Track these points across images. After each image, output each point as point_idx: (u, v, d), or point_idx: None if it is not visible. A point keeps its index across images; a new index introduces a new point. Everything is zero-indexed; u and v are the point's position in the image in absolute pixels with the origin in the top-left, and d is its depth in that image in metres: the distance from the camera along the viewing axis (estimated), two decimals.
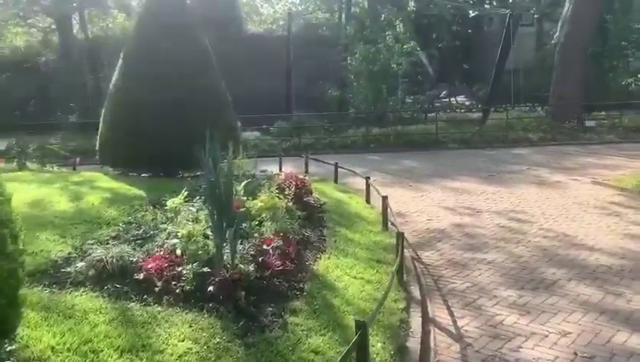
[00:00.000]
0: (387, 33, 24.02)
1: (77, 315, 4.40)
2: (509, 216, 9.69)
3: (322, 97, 25.38)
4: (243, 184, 7.20)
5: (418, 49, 26.05)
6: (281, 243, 5.71)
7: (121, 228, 6.50)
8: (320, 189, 10.76)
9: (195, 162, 9.89)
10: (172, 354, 3.98)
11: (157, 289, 4.96)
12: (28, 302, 4.52)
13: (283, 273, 5.46)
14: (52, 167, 12.93)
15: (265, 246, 5.48)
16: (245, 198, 7.12)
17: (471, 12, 33.66)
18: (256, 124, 22.22)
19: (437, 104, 31.96)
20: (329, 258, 6.36)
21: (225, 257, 5.37)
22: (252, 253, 5.55)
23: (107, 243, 5.94)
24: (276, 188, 7.51)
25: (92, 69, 27.85)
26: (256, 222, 6.54)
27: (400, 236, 6.07)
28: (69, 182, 9.55)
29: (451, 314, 5.59)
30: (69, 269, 5.26)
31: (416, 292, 5.92)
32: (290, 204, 7.39)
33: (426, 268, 6.96)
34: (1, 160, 13.05)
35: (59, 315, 4.38)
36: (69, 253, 5.78)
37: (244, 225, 6.15)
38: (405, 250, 7.16)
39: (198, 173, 8.94)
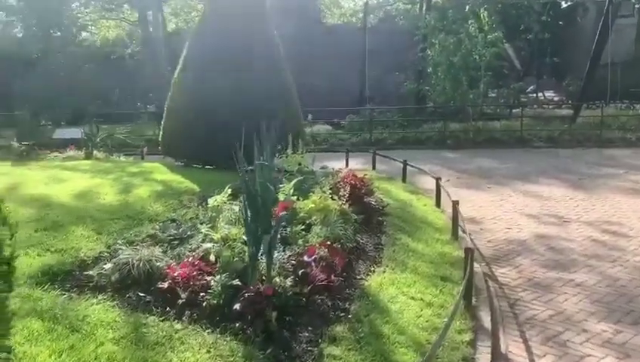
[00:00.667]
0: (470, 22, 22.50)
1: (85, 329, 3.86)
2: (603, 227, 8.38)
3: (398, 90, 24.27)
4: (294, 182, 6.49)
5: (504, 41, 24.29)
6: (327, 253, 4.94)
7: (158, 227, 5.98)
8: (385, 189, 9.90)
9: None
10: None
11: (180, 301, 4.36)
12: (38, 308, 4.08)
13: (327, 289, 4.70)
14: (119, 156, 12.87)
15: (306, 258, 4.73)
16: (296, 198, 6.41)
17: (564, 2, 31.22)
18: (328, 117, 21.55)
19: (523, 99, 29.83)
20: (384, 272, 5.53)
21: (261, 268, 4.71)
22: (293, 263, 4.84)
23: (141, 243, 5.43)
24: (330, 188, 6.73)
25: (170, 61, 28.31)
26: (303, 227, 5.81)
27: (469, 252, 5.12)
28: (125, 173, 9.28)
29: (529, 350, 4.61)
30: (91, 272, 4.76)
31: (486, 320, 4.96)
32: (346, 205, 6.61)
33: (500, 289, 5.95)
34: (71, 148, 13.15)
35: (66, 328, 3.86)
36: (100, 253, 5.33)
37: (287, 229, 5.45)
38: (477, 265, 6.22)
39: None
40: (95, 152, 12.70)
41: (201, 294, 4.38)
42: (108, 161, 11.80)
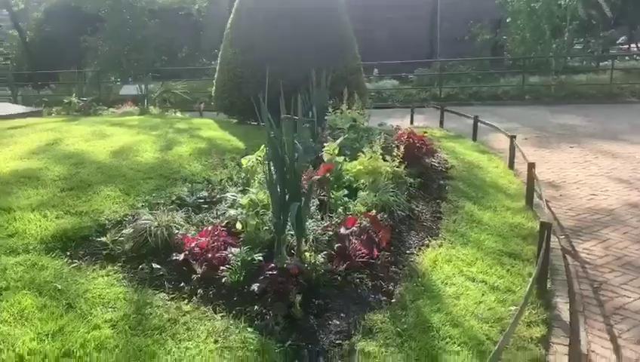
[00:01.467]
0: None
1: (81, 308, 3.36)
2: None
3: (472, 41, 22.48)
4: (339, 140, 5.72)
5: None
6: (370, 224, 4.18)
7: (186, 189, 5.41)
8: (451, 149, 8.92)
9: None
10: None
11: (195, 276, 3.78)
12: (39, 280, 3.64)
13: (367, 267, 3.98)
14: (175, 113, 12.54)
15: (343, 230, 4.00)
16: (342, 159, 5.65)
17: None
18: (396, 71, 20.31)
19: (612, 51, 27.06)
20: (441, 246, 4.71)
21: (291, 241, 4.04)
22: (329, 235, 4.13)
23: (166, 206, 4.89)
24: (385, 147, 5.90)
25: None
26: (347, 192, 5.08)
27: (545, 227, 4.19)
28: (172, 129, 8.83)
29: (618, 351, 3.71)
30: (104, 239, 4.27)
31: (563, 309, 4.08)
32: (400, 168, 5.77)
33: (582, 269, 4.99)
34: (128, 104, 12.96)
35: (61, 305, 3.39)
36: (123, 216, 4.84)
37: (333, 194, 4.74)
38: (555, 239, 5.28)
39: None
40: (151, 108, 12.41)
41: (220, 269, 3.78)
42: (160, 117, 11.46)
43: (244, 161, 5.31)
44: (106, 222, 4.71)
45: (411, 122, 12.90)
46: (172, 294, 3.63)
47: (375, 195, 5.07)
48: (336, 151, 5.55)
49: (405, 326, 3.43)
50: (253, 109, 10.07)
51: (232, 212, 4.33)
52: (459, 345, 3.32)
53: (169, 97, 13.85)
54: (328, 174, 5.17)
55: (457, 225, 5.26)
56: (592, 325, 4.03)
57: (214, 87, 11.07)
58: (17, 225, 4.46)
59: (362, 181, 5.40)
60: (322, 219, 4.55)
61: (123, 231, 4.35)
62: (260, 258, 3.75)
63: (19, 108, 10.97)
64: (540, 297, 4.10)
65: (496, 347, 2.85)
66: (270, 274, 3.49)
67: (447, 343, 3.34)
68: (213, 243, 3.94)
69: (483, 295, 3.99)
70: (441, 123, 12.28)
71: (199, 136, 8.38)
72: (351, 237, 4.04)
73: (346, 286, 3.79)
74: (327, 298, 3.63)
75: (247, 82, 9.84)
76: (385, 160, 5.65)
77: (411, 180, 5.86)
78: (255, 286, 3.48)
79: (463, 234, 5.07)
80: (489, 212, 5.83)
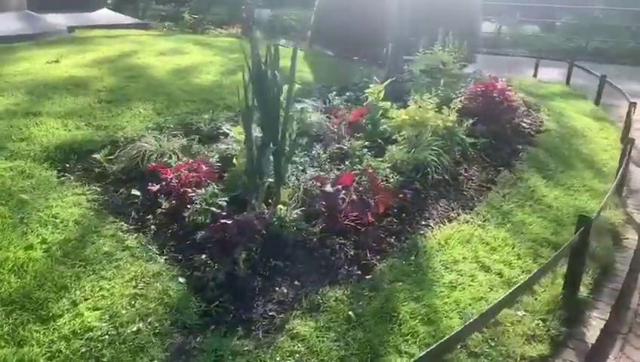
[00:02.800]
0: None
1: (30, 225, 3.22)
2: None
3: None
4: (386, 83, 4.97)
5: None
6: (368, 184, 3.54)
7: (206, 118, 5.08)
8: (558, 109, 7.62)
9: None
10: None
11: (160, 210, 3.47)
12: (13, 189, 3.56)
13: (356, 233, 3.39)
14: (278, 40, 12.21)
15: (329, 188, 3.41)
16: (389, 105, 4.93)
17: None
18: (538, 16, 18.03)
19: None
20: (467, 223, 3.93)
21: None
22: (319, 191, 3.57)
23: (176, 132, 4.62)
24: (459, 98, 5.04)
25: None
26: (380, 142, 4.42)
27: (582, 226, 3.24)
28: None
29: None
30: (98, 156, 4.10)
31: (592, 331, 3.19)
32: (456, 123, 4.91)
33: None
34: (237, 26, 12.85)
35: (14, 217, 3.27)
36: (141, 136, 4.64)
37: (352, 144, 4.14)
38: (634, 238, 4.23)
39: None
40: (257, 33, 12.19)
41: (188, 207, 3.42)
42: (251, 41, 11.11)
43: None
44: (120, 139, 4.55)
45: (534, 75, 11.35)
46: (131, 225, 3.36)
47: (409, 151, 4.34)
48: (381, 95, 4.84)
49: (362, 311, 2.85)
50: (346, 44, 9.52)
51: (222, 146, 3.92)
52: (419, 347, 2.68)
53: (278, 24, 13.52)
54: (363, 119, 4.54)
55: (505, 201, 4.38)
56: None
57: (313, 17, 10.52)
58: (33, 131, 4.45)
59: (403, 133, 4.67)
60: (330, 170, 3.98)
61: (119, 152, 4.16)
62: (225, 201, 3.32)
63: (125, 19, 11.31)
64: (566, 304, 3.23)
65: None
66: (222, 223, 3.06)
67: (403, 341, 2.71)
68: (191, 178, 3.57)
69: (490, 290, 3.23)
70: (568, 79, 10.60)
71: None
72: (344, 197, 3.44)
73: (320, 250, 3.26)
74: (288, 260, 3.14)
75: (343, 12, 9.17)
76: (440, 112, 4.82)
77: (472, 140, 4.98)
78: (199, 234, 3.08)
79: (507, 212, 4.20)
80: (558, 190, 4.81)
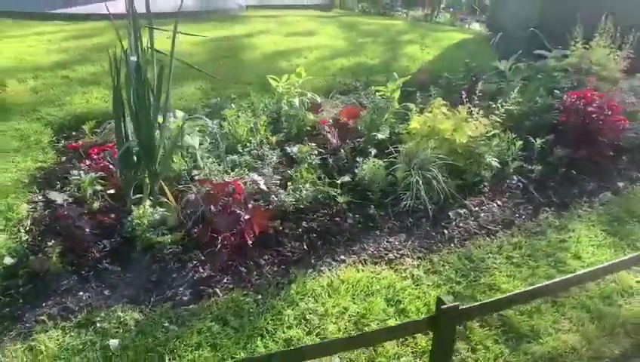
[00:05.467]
0: None
1: None
2: None
3: None
4: (399, 82, 4.01)
5: None
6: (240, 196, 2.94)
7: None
8: None
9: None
10: None
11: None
12: None
13: (224, 251, 2.89)
14: (435, 17, 11.11)
15: (192, 195, 2.93)
16: (413, 108, 4.02)
17: None
18: None
19: None
20: (364, 265, 2.98)
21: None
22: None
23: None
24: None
25: None
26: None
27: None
28: (387, 38, 7.84)
29: None
30: (85, 127, 4.30)
31: None
32: (486, 139, 3.74)
33: None
34: (426, 8, 12.01)
35: None
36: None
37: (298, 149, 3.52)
38: None
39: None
40: (439, 16, 11.23)
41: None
42: (419, 25, 10.12)
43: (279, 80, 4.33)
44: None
45: None
46: None
47: (388, 170, 3.49)
48: (396, 95, 3.97)
49: (124, 344, 2.41)
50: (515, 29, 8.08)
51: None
52: None
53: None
54: (351, 122, 3.82)
55: (463, 250, 3.19)
56: None
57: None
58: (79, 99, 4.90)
59: (409, 144, 3.74)
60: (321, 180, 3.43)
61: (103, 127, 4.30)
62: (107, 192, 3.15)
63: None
64: None
65: None
66: (65, 214, 2.91)
67: None
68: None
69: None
70: None
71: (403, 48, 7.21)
72: (212, 208, 2.94)
73: (164, 262, 2.86)
74: (124, 266, 2.85)
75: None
76: (471, 120, 3.72)
77: (524, 166, 3.74)
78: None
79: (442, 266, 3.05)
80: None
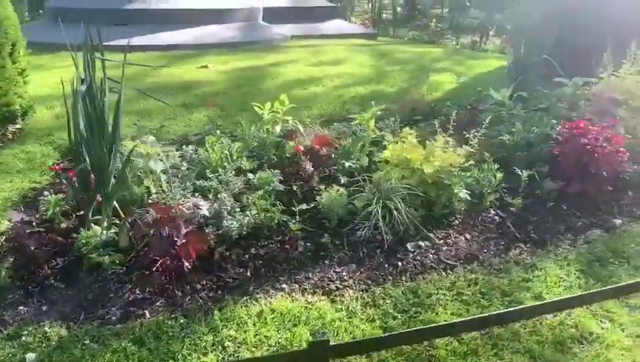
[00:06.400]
0: None
1: None
2: None
3: None
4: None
5: None
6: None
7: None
8: None
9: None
10: None
11: None
12: None
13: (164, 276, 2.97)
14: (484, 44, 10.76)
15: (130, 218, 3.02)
16: (389, 137, 3.96)
17: None
18: None
19: None
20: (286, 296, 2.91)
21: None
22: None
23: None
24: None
25: None
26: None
27: None
28: (416, 65, 7.75)
29: None
30: None
31: None
32: (455, 170, 3.59)
33: None
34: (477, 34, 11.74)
35: None
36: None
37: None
38: None
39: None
40: (487, 43, 10.95)
41: None
42: (458, 53, 9.86)
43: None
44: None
45: None
46: None
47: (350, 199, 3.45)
48: (372, 124, 3.93)
49: None
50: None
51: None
52: None
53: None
54: (325, 149, 3.83)
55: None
56: None
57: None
58: None
59: (381, 173, 3.67)
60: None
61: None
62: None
63: (354, 29, 11.53)
64: None
65: None
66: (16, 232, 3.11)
67: None
68: None
69: None
70: None
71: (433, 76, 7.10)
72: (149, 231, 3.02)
73: (104, 283, 2.97)
74: (69, 286, 2.98)
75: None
76: (447, 151, 3.60)
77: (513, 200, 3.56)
78: None
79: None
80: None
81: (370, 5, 17.23)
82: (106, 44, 8.81)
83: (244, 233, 3.21)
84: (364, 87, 6.50)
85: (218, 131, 4.33)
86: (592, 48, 6.06)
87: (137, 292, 2.93)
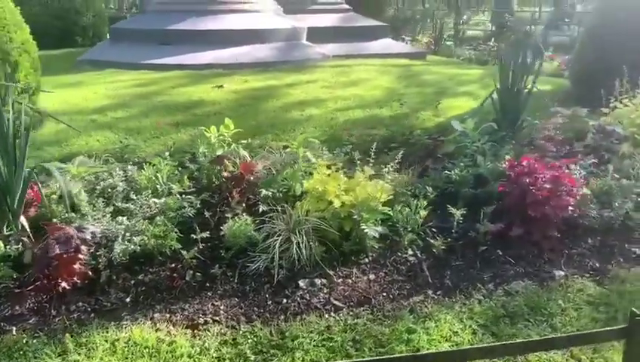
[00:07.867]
0: None
1: None
2: None
3: None
4: None
5: None
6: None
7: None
8: None
9: None
10: None
11: None
12: None
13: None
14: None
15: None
16: (334, 168, 3.82)
17: None
18: None
19: None
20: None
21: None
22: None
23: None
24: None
25: None
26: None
27: None
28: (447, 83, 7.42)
29: None
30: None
31: None
32: (384, 199, 3.37)
33: None
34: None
35: None
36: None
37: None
38: None
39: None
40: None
41: None
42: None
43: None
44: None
45: None
46: None
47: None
48: (301, 151, 3.81)
49: None
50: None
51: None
52: None
53: None
54: (250, 175, 3.79)
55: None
56: None
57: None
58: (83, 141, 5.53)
59: (297, 203, 3.55)
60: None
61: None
62: None
63: (401, 48, 11.20)
64: None
65: None
66: None
67: None
68: None
69: None
70: None
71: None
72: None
73: None
74: None
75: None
76: (371, 180, 3.41)
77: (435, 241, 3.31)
78: None
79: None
80: None
81: (433, 25, 16.93)
82: (145, 62, 9.27)
83: (126, 260, 3.23)
84: (364, 110, 6.32)
85: (167, 153, 4.40)
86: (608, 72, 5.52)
87: (16, 308, 3.04)
